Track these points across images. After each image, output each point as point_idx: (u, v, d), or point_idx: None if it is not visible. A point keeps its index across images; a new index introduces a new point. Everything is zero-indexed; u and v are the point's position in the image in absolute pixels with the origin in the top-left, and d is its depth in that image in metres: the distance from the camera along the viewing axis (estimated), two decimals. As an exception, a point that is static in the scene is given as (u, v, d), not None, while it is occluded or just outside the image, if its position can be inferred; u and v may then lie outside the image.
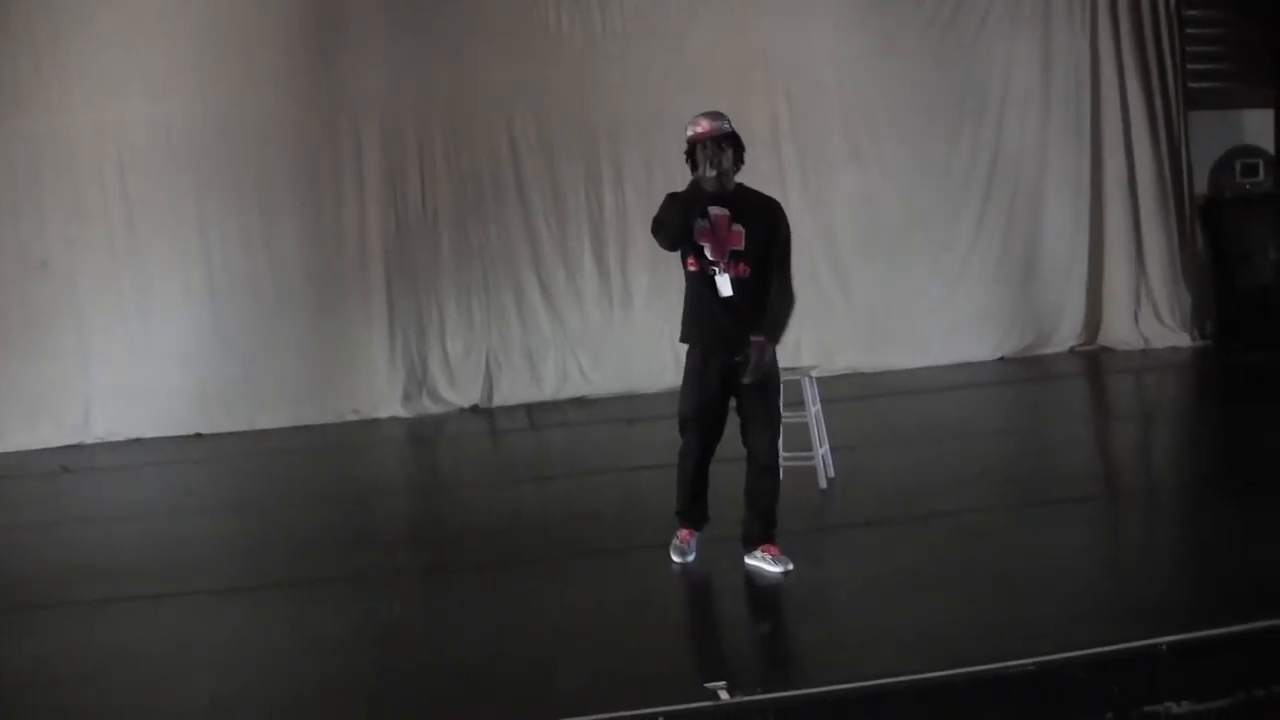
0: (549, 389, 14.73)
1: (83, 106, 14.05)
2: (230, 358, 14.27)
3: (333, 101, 14.43)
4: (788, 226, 7.65)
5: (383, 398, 14.54)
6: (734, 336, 7.46)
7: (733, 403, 7.74)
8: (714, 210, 7.47)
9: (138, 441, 14.12)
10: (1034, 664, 5.74)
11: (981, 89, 15.22)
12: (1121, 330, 15.26)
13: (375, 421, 14.39)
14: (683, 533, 7.92)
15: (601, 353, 14.66)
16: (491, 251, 14.66)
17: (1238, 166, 15.47)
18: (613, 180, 14.57)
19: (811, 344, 14.58)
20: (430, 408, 14.57)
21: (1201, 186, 15.53)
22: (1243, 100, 15.76)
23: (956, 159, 15.23)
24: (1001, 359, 15.14)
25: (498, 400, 14.66)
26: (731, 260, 7.46)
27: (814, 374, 9.72)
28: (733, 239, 7.46)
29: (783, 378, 9.24)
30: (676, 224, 7.41)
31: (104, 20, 13.97)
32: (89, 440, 14.17)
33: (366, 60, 14.36)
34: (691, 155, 7.49)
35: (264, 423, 14.24)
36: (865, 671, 5.84)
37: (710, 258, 7.49)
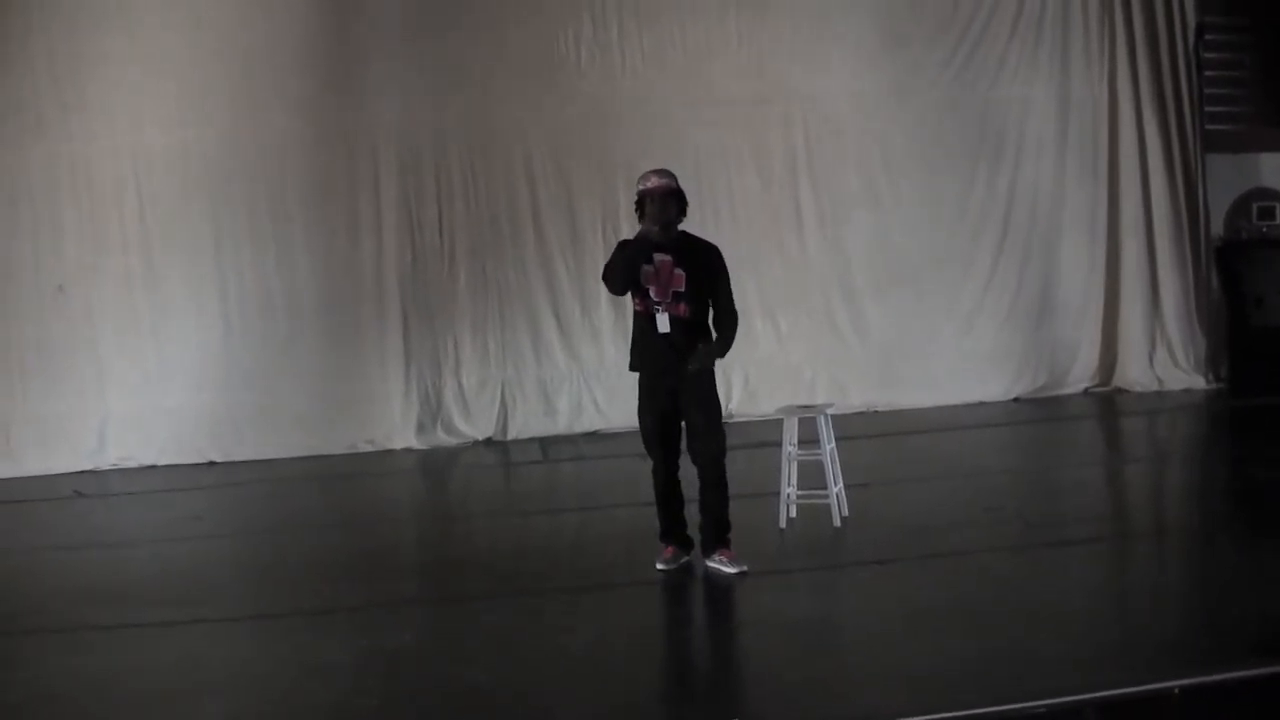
0: (563, 423, 14.75)
1: (101, 133, 14.12)
2: (244, 386, 14.30)
3: (351, 133, 14.47)
4: (725, 266, 8.52)
5: (396, 429, 14.55)
6: (672, 365, 8.36)
7: None
8: (658, 256, 8.36)
9: (151, 468, 14.14)
10: (1045, 706, 5.72)
11: (999, 130, 15.27)
12: (1136, 372, 15.26)
13: (389, 452, 14.39)
14: (667, 549, 8.61)
15: (616, 387, 14.60)
16: (507, 285, 14.69)
17: (1254, 209, 15.46)
18: (630, 216, 14.44)
19: (826, 382, 14.63)
20: (444, 439, 14.56)
21: (1217, 229, 15.52)
22: (1260, 143, 15.76)
23: (973, 199, 15.26)
24: (1016, 399, 15.14)
25: (512, 433, 14.67)
26: (673, 301, 8.35)
27: (829, 412, 9.73)
28: (675, 281, 8.35)
29: (799, 415, 9.39)
30: (622, 272, 8.40)
31: (123, 48, 14.03)
32: (103, 465, 14.19)
33: (385, 92, 14.42)
34: (641, 206, 8.45)
35: (277, 451, 14.22)
36: (876, 710, 5.83)
37: (654, 298, 8.37)
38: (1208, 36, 15.42)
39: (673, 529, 8.63)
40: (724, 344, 8.48)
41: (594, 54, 14.70)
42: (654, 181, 8.35)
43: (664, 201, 8.31)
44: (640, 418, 8.59)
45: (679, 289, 8.32)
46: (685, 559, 8.56)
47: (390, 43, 14.38)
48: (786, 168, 14.90)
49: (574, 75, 14.70)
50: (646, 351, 8.50)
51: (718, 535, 8.41)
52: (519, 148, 14.68)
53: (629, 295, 8.56)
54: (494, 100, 14.54)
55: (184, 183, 14.26)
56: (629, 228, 14.37)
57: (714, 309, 8.48)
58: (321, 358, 14.44)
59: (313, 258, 14.47)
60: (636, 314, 8.54)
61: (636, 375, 8.64)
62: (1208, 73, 15.49)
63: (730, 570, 8.26)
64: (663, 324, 8.33)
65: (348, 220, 14.50)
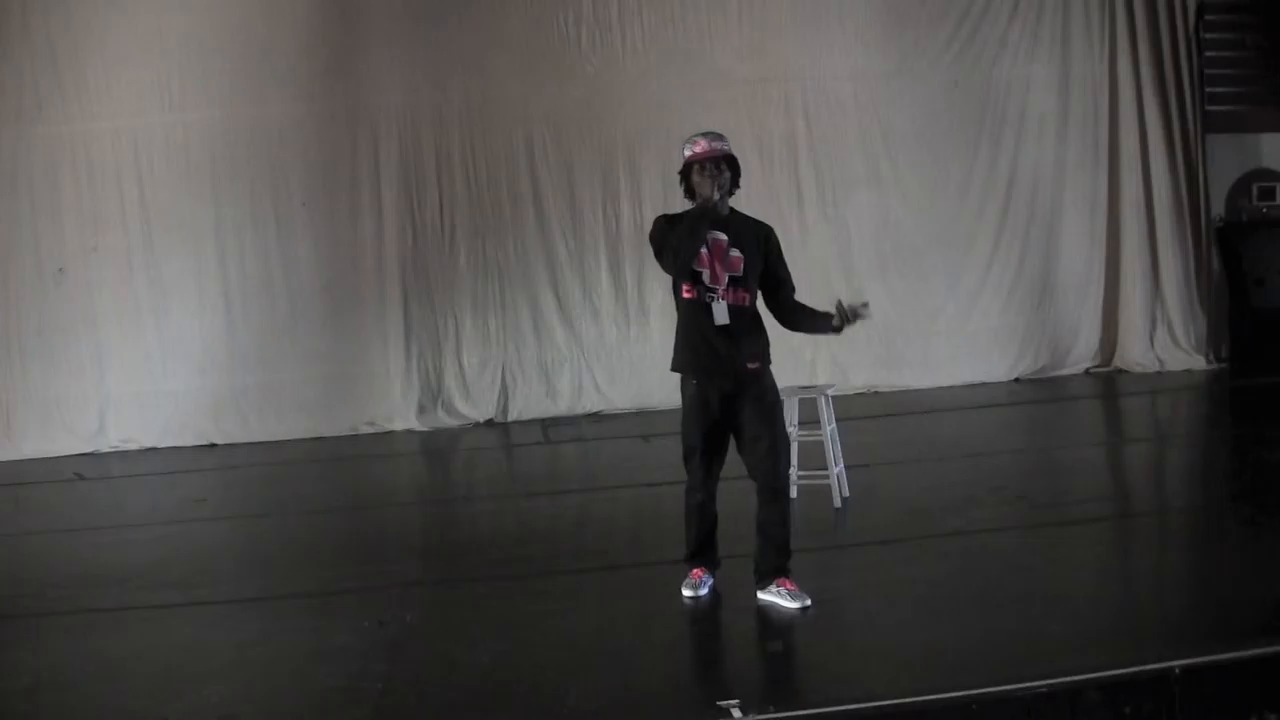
0: (564, 404, 14.76)
1: (101, 116, 14.16)
2: (245, 368, 14.34)
3: (351, 114, 14.48)
4: (781, 248, 7.44)
5: (397, 410, 14.57)
6: (730, 365, 7.23)
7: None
8: (712, 235, 7.18)
9: (152, 450, 14.17)
10: (1047, 685, 5.73)
11: (1000, 110, 15.25)
12: (1137, 352, 15.26)
13: (389, 434, 14.43)
14: (695, 570, 7.60)
15: (617, 368, 14.67)
16: (508, 266, 14.70)
17: (1254, 190, 15.46)
18: (630, 197, 14.57)
19: (827, 363, 14.62)
20: (445, 421, 14.59)
21: (1218, 209, 15.52)
22: (1260, 124, 15.75)
23: (974, 180, 15.24)
24: (1017, 379, 15.15)
25: (513, 414, 14.68)
26: (730, 286, 7.19)
27: (830, 392, 9.72)
28: (732, 264, 7.20)
29: (800, 396, 9.31)
30: (689, 245, 7.09)
31: (123, 31, 14.07)
32: (103, 448, 14.24)
33: (386, 73, 14.42)
34: (686, 176, 7.29)
35: (278, 433, 14.28)
36: (878, 691, 5.83)
37: (708, 284, 7.19)
38: (1208, 16, 15.39)
39: (702, 550, 7.57)
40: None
41: (594, 35, 14.69)
42: (703, 146, 7.18)
43: (717, 168, 7.15)
44: (686, 426, 7.37)
45: (736, 273, 7.17)
46: (712, 582, 7.58)
47: (391, 24, 14.39)
48: (787, 148, 14.87)
49: (574, 56, 14.69)
50: (700, 347, 7.22)
51: (777, 563, 7.33)
52: (519, 128, 14.68)
53: (671, 282, 7.36)
54: (494, 81, 14.54)
55: (184, 165, 14.29)
56: (630, 208, 14.49)
57: (780, 295, 7.37)
58: (322, 339, 14.48)
59: (313, 239, 14.50)
60: (686, 302, 7.25)
61: (674, 374, 7.45)
62: (1208, 53, 15.48)
63: (792, 605, 7.16)
64: (720, 314, 7.15)
65: (348, 201, 14.52)
